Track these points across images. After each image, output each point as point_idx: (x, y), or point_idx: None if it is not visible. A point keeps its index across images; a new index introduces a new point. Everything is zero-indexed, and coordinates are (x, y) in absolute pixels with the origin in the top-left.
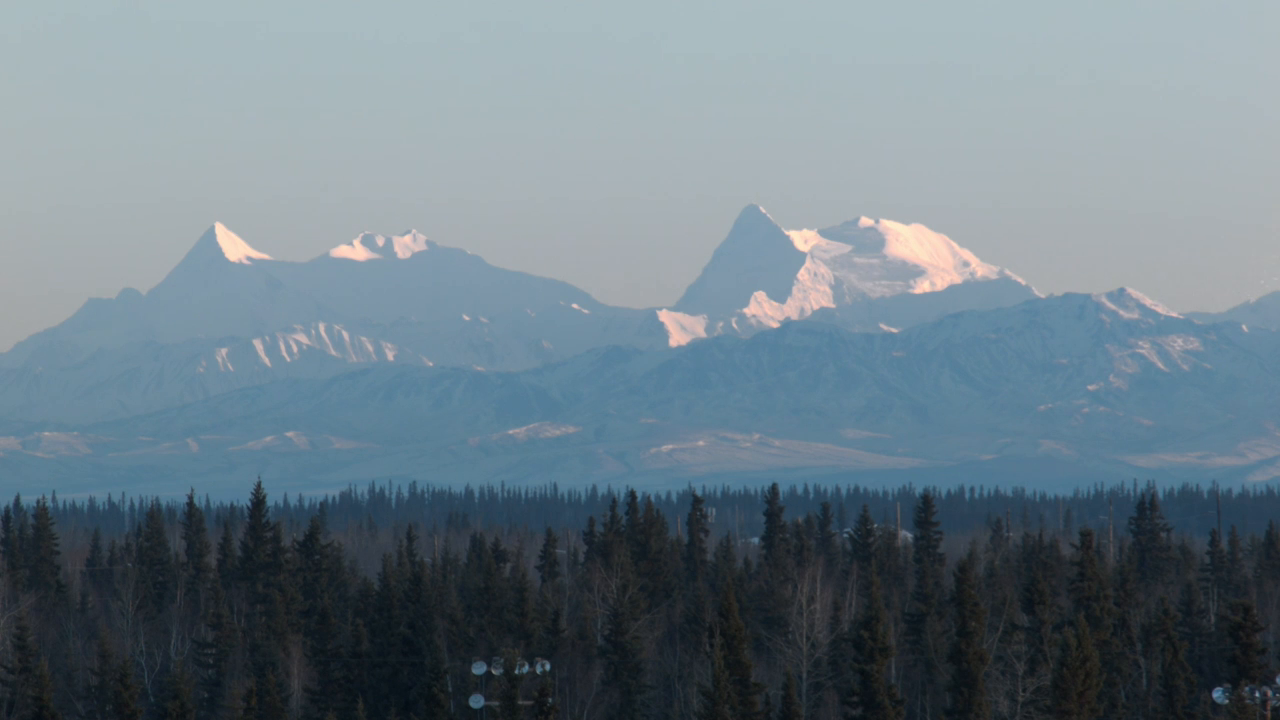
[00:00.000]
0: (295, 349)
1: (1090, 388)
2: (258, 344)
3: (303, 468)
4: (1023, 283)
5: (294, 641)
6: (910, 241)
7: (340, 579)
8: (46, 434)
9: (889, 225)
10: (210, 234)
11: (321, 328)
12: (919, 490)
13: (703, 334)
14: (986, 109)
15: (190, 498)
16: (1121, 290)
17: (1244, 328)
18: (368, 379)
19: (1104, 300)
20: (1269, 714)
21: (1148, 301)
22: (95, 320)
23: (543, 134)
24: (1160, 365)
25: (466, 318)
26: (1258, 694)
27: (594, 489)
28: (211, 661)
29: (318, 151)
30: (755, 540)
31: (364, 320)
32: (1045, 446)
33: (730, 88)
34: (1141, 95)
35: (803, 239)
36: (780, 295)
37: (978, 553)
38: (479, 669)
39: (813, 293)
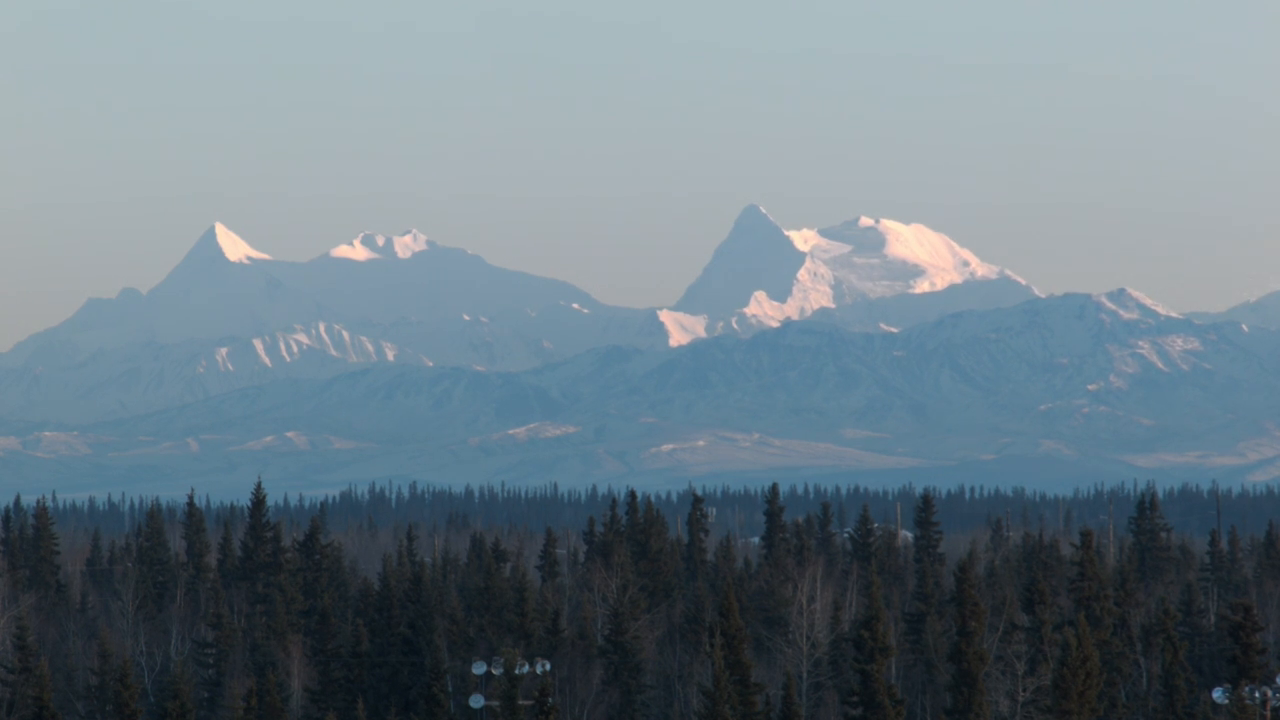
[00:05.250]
0: (295, 349)
1: (1090, 388)
2: (258, 344)
3: (303, 468)
4: (1023, 283)
5: (294, 641)
6: (910, 241)
7: (340, 579)
8: (46, 434)
9: (889, 225)
10: (210, 234)
11: (321, 328)
12: (919, 490)
13: (703, 334)
14: (987, 108)
15: (190, 498)
16: (1121, 290)
17: (1244, 328)
18: (368, 379)
19: (1104, 300)
20: (1269, 714)
21: (1148, 301)
22: (95, 320)
23: (543, 133)
24: (1160, 365)
25: (466, 318)
26: (1258, 694)
27: (594, 489)
28: (211, 661)
29: (318, 151)
30: (755, 540)
31: (364, 320)
32: (1045, 446)
33: (730, 87)
34: (1142, 94)
35: (803, 239)
36: (780, 295)
37: (978, 553)
38: (479, 669)
39: (813, 293)
